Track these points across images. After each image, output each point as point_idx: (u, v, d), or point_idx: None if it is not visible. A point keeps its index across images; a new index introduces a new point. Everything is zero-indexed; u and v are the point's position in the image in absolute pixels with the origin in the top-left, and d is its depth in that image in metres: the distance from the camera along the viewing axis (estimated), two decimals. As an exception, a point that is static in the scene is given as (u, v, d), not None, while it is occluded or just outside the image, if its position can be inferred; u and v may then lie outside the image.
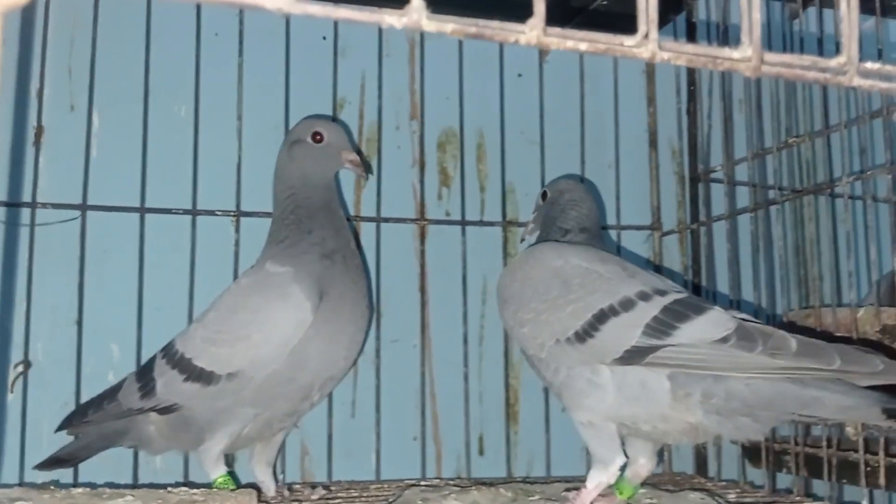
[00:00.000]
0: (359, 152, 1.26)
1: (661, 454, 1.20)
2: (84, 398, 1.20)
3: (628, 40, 0.47)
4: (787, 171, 1.35)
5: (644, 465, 1.02)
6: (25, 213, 1.24)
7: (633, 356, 0.91)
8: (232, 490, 1.00)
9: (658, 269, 1.48)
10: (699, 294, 1.39)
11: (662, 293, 0.95)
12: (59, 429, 1.15)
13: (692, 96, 1.48)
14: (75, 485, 1.16)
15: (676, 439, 0.97)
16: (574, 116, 1.48)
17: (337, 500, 1.14)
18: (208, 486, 1.06)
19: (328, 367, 1.09)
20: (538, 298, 1.00)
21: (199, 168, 1.30)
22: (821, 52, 1.21)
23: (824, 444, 1.14)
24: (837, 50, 0.50)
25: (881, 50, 1.13)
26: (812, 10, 1.30)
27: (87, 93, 1.28)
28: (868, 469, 1.07)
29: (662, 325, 0.91)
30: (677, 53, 0.48)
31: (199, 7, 1.32)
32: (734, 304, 1.31)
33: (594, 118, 1.50)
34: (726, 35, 1.36)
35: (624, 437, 0.98)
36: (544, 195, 1.21)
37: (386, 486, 1.24)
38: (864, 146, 1.17)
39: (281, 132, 1.31)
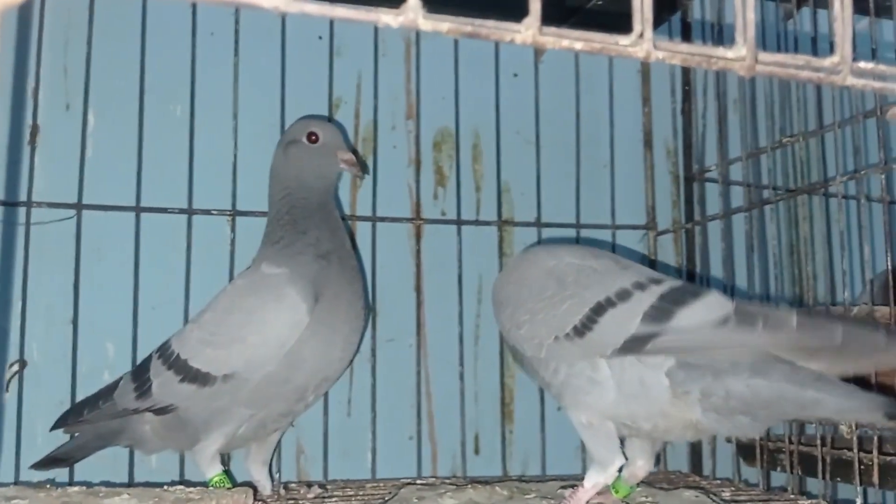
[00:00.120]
0: (354, 152, 1.26)
1: (658, 458, 1.20)
2: (79, 397, 1.19)
3: (623, 40, 0.47)
4: (782, 170, 1.36)
5: (642, 466, 1.02)
6: (21, 213, 1.24)
7: (634, 345, 0.90)
8: (228, 489, 1.00)
9: (653, 268, 1.48)
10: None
11: (658, 282, 0.95)
12: (55, 427, 1.15)
13: (687, 96, 1.48)
14: (71, 484, 1.15)
15: (678, 436, 0.96)
16: (569, 116, 1.49)
17: (333, 499, 1.14)
18: (204, 485, 1.06)
19: (324, 368, 1.09)
20: (534, 298, 1.00)
21: (195, 167, 1.30)
22: (815, 53, 1.21)
23: (818, 442, 1.14)
24: (831, 50, 0.50)
25: (875, 49, 1.14)
26: (806, 11, 1.30)
27: (83, 92, 1.28)
28: (862, 467, 1.07)
29: (661, 312, 0.90)
30: (672, 53, 0.48)
31: (194, 6, 1.32)
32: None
33: (589, 118, 1.50)
34: (721, 35, 1.37)
35: (623, 439, 0.98)
36: None
37: (382, 485, 1.24)
38: (857, 146, 1.17)
39: (277, 132, 1.31)
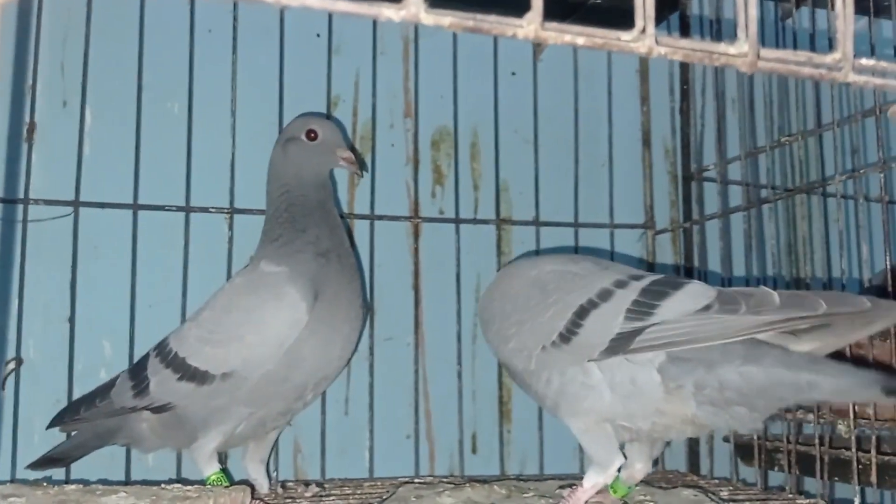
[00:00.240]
0: (353, 150, 1.26)
1: (656, 462, 1.20)
2: (76, 395, 1.19)
3: (625, 35, 0.47)
4: (780, 169, 1.36)
5: (640, 469, 1.02)
6: (18, 210, 1.23)
7: (620, 344, 0.90)
8: (225, 487, 1.00)
9: (651, 267, 1.48)
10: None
11: (639, 278, 0.94)
12: (51, 426, 1.14)
13: (685, 95, 1.48)
14: (68, 482, 1.15)
15: (678, 432, 0.96)
16: (568, 115, 1.49)
17: (330, 498, 1.14)
18: (202, 483, 1.05)
19: (322, 367, 1.09)
20: (519, 310, 0.99)
21: (193, 165, 1.30)
22: (813, 52, 1.21)
23: (816, 441, 1.14)
24: (830, 48, 0.50)
25: (873, 46, 1.14)
26: (805, 11, 1.30)
27: (80, 89, 1.27)
28: (860, 467, 1.07)
29: (643, 307, 0.90)
30: (674, 48, 0.48)
31: (192, 3, 1.32)
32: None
33: (588, 117, 1.50)
34: (719, 32, 1.37)
35: (622, 443, 0.98)
36: None
37: (379, 483, 1.24)
38: (856, 146, 1.18)
39: (275, 129, 1.30)
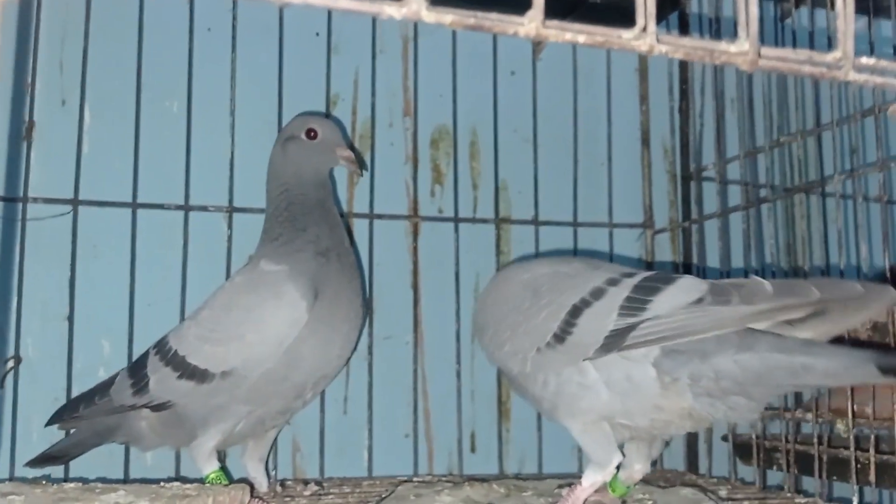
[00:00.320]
0: (352, 149, 1.26)
1: (654, 462, 1.20)
2: (75, 394, 1.19)
3: (626, 33, 0.47)
4: (779, 169, 1.36)
5: (639, 469, 1.01)
6: (17, 208, 1.23)
7: (614, 341, 0.89)
8: (225, 485, 1.00)
9: (650, 266, 1.48)
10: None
11: (631, 276, 0.95)
12: (50, 423, 1.14)
13: (684, 95, 1.49)
14: (66, 480, 1.15)
15: (677, 428, 0.95)
16: (567, 114, 1.49)
17: (329, 496, 1.14)
18: (200, 481, 1.05)
19: (322, 366, 1.09)
20: (512, 314, 1.00)
21: (192, 163, 1.30)
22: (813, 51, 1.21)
23: (815, 441, 1.14)
24: (830, 48, 0.50)
25: (872, 46, 1.14)
26: (804, 11, 1.31)
27: (79, 88, 1.27)
28: (858, 466, 1.07)
29: (636, 303, 0.90)
30: (675, 46, 0.48)
31: (191, 2, 1.32)
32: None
33: (587, 116, 1.50)
34: (719, 31, 1.37)
35: (621, 443, 0.98)
36: None
37: (378, 482, 1.24)
38: (855, 145, 1.18)
39: (274, 128, 1.30)
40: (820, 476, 1.13)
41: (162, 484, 0.95)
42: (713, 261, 1.40)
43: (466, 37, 1.41)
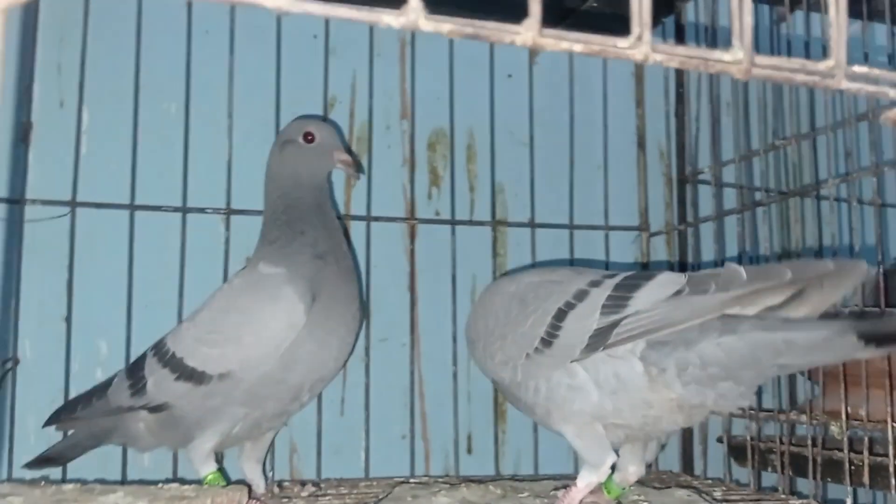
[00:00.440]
0: (350, 152, 1.26)
1: (650, 466, 1.21)
2: (72, 395, 1.19)
3: (622, 42, 0.48)
4: (774, 173, 1.36)
5: (633, 472, 1.03)
6: (15, 210, 1.24)
7: (598, 339, 0.91)
8: (222, 487, 1.00)
9: (645, 269, 1.49)
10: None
11: (613, 276, 0.97)
12: (47, 424, 1.15)
13: (680, 99, 1.49)
14: (64, 482, 1.15)
15: (669, 423, 0.96)
16: (563, 118, 1.49)
17: (327, 497, 1.14)
18: (198, 482, 1.06)
19: (318, 369, 1.09)
20: (501, 325, 1.02)
21: (190, 165, 1.30)
22: (808, 57, 1.22)
23: (809, 443, 1.15)
24: (824, 54, 0.51)
25: (867, 54, 1.15)
26: (799, 15, 1.31)
27: (77, 89, 1.28)
28: (852, 468, 1.08)
29: (617, 301, 0.92)
30: (670, 55, 0.49)
31: (189, 5, 1.32)
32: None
33: (583, 120, 1.51)
34: (714, 38, 1.38)
35: (617, 446, 0.98)
36: None
37: (375, 483, 1.24)
38: (849, 149, 1.18)
39: (271, 130, 1.31)
40: (814, 478, 1.14)
41: (160, 485, 0.95)
42: (708, 264, 1.41)
43: (463, 41, 1.40)
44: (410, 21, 0.44)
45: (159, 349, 1.10)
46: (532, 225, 1.45)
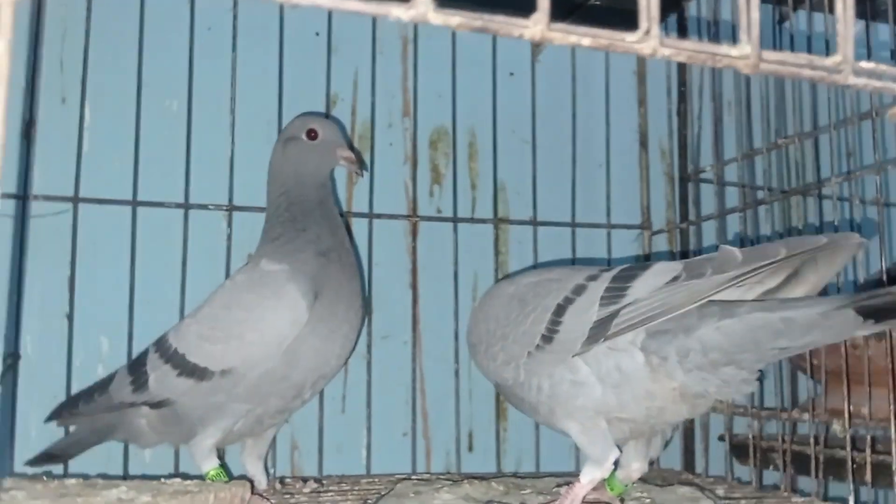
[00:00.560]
0: (353, 149, 1.26)
1: (653, 463, 1.21)
2: (74, 391, 1.19)
3: (630, 36, 0.48)
4: (776, 171, 1.37)
5: (637, 469, 1.03)
6: (17, 206, 1.23)
7: (598, 331, 0.92)
8: (225, 482, 1.00)
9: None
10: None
11: (610, 270, 0.97)
12: (49, 419, 1.15)
13: (682, 97, 1.49)
14: (65, 477, 1.15)
15: (674, 414, 0.96)
16: (565, 116, 1.49)
17: (329, 494, 1.15)
18: (200, 478, 1.06)
19: (321, 366, 1.09)
20: (502, 326, 1.02)
21: (192, 162, 1.30)
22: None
23: (811, 441, 1.15)
24: (827, 52, 0.51)
25: (869, 53, 1.15)
26: (801, 14, 1.31)
27: (80, 85, 1.27)
28: (854, 466, 1.08)
29: (615, 292, 0.92)
30: (678, 50, 0.49)
31: (192, 1, 1.32)
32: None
33: (585, 118, 1.51)
34: (717, 34, 1.38)
35: (621, 442, 0.98)
36: None
37: (377, 480, 1.24)
38: (851, 149, 1.19)
39: (274, 127, 1.31)
40: (816, 476, 1.14)
41: (163, 480, 0.95)
42: (710, 262, 1.40)
43: (465, 38, 1.42)
44: (420, 14, 0.44)
45: (161, 345, 1.10)
46: (534, 223, 1.45)
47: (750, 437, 1.26)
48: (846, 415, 1.09)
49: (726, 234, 1.36)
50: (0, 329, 1.23)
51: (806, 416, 1.18)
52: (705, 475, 1.35)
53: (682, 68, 1.49)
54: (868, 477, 1.07)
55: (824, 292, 0.93)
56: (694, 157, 1.48)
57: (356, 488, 1.19)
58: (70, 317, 1.23)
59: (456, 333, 1.37)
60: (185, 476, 1.09)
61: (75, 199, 1.25)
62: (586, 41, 0.47)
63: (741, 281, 0.87)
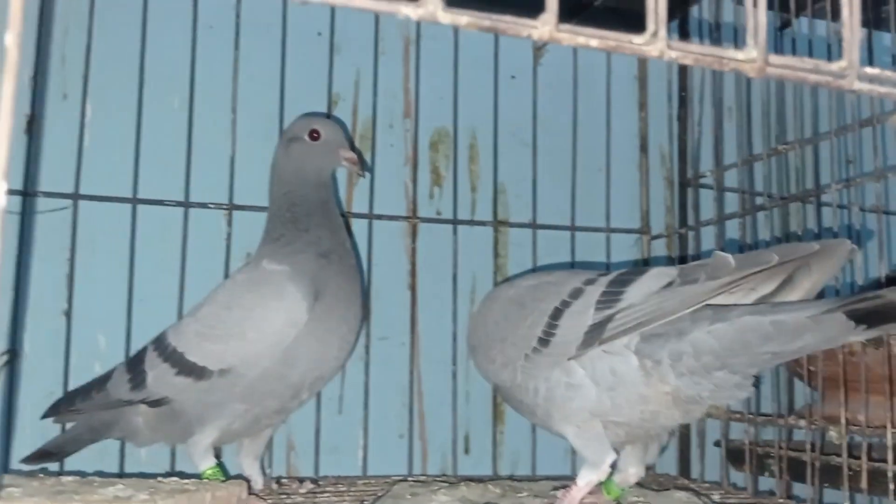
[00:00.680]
0: (355, 149, 1.26)
1: (649, 468, 1.21)
2: (71, 388, 1.19)
3: (637, 38, 0.48)
4: (776, 178, 1.37)
5: (633, 473, 1.03)
6: (16, 202, 1.23)
7: (593, 335, 0.92)
8: (222, 481, 1.00)
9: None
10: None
11: (607, 274, 0.98)
12: (46, 416, 1.14)
13: (683, 102, 1.50)
14: (62, 475, 1.15)
15: (667, 419, 0.96)
16: (566, 120, 1.50)
17: (325, 494, 1.14)
18: (196, 477, 1.06)
19: (319, 367, 1.09)
20: (500, 329, 1.03)
21: (192, 160, 1.30)
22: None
23: (808, 447, 1.15)
24: (829, 59, 0.51)
25: (871, 59, 1.15)
26: (803, 21, 1.32)
27: (81, 81, 1.27)
28: (850, 473, 1.08)
29: (611, 296, 0.93)
30: (685, 52, 0.49)
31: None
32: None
33: (586, 122, 1.51)
34: (719, 37, 1.38)
35: (617, 446, 0.99)
36: None
37: (373, 481, 1.24)
38: (851, 156, 1.19)
39: (275, 126, 1.31)
40: (812, 483, 1.14)
41: (159, 479, 0.95)
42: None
43: (468, 40, 1.42)
44: (429, 12, 0.44)
45: (160, 343, 1.10)
46: (533, 226, 1.45)
47: (746, 442, 1.26)
48: (842, 422, 1.09)
49: (725, 239, 1.36)
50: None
51: (802, 422, 1.18)
52: (701, 480, 1.35)
53: (682, 73, 1.50)
54: (864, 484, 1.07)
55: (821, 297, 0.93)
56: (694, 162, 1.48)
57: (352, 489, 1.18)
58: (68, 314, 1.23)
59: (454, 335, 1.37)
60: (182, 475, 1.09)
61: (75, 196, 1.25)
62: (594, 42, 0.47)
63: (734, 287, 0.88)
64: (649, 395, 0.93)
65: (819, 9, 1.25)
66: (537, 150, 1.46)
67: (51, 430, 1.18)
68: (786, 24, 1.41)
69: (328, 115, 1.38)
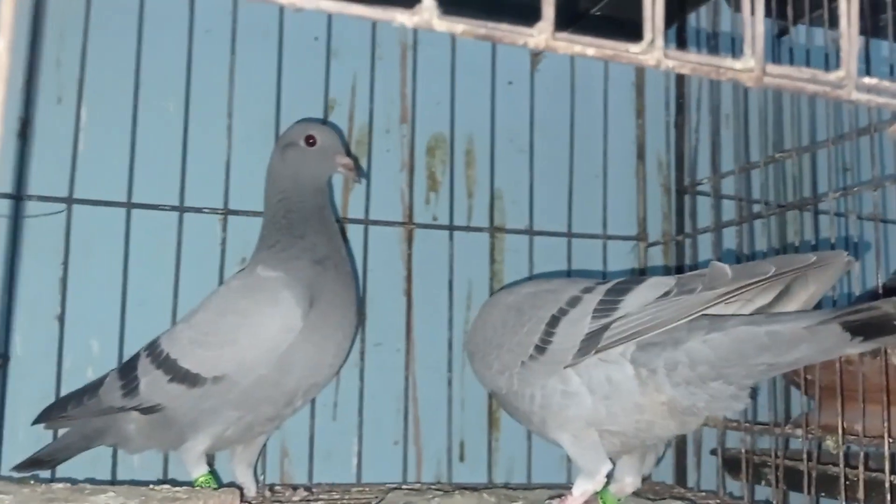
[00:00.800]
0: (351, 155, 1.26)
1: (646, 479, 1.21)
2: (63, 394, 1.18)
3: (634, 47, 0.47)
4: (774, 185, 1.37)
5: (630, 483, 1.03)
6: (10, 206, 1.22)
7: (590, 343, 0.92)
8: (214, 489, 0.99)
9: (643, 279, 1.48)
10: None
11: (605, 283, 0.98)
12: (37, 422, 1.13)
13: (681, 109, 1.49)
14: (53, 482, 1.14)
15: (663, 429, 0.96)
16: (563, 126, 1.49)
17: (319, 502, 1.14)
18: (189, 484, 1.05)
19: (314, 374, 1.09)
20: (498, 335, 1.03)
21: (188, 165, 1.29)
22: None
23: (804, 457, 1.15)
24: (826, 67, 0.51)
25: (868, 69, 1.15)
26: (800, 29, 1.32)
27: (76, 86, 1.27)
28: (847, 483, 1.08)
29: (608, 305, 0.93)
30: (682, 62, 0.49)
31: (192, 2, 1.32)
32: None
33: (583, 128, 1.51)
34: (717, 46, 1.38)
35: (613, 456, 0.98)
36: None
37: (367, 489, 1.24)
38: (849, 164, 1.19)
39: (271, 131, 1.31)
40: (808, 492, 1.14)
41: (152, 487, 0.94)
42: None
43: (465, 46, 1.42)
44: (424, 20, 0.43)
45: (153, 350, 1.09)
46: (530, 232, 1.44)
47: (742, 451, 1.26)
48: (839, 431, 1.08)
49: (722, 247, 1.35)
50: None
51: (799, 431, 1.17)
52: (697, 489, 1.35)
53: (680, 81, 1.49)
54: (860, 494, 1.06)
55: (818, 308, 0.93)
56: (691, 169, 1.48)
57: (346, 497, 1.18)
58: (61, 318, 1.22)
59: (449, 342, 1.37)
60: (174, 482, 1.09)
61: (69, 200, 1.24)
62: (591, 51, 0.46)
63: (731, 297, 0.88)
64: (644, 405, 0.93)
65: (817, 16, 1.25)
66: (534, 157, 1.46)
67: (42, 436, 1.17)
68: (783, 32, 1.41)
69: (324, 121, 1.37)
